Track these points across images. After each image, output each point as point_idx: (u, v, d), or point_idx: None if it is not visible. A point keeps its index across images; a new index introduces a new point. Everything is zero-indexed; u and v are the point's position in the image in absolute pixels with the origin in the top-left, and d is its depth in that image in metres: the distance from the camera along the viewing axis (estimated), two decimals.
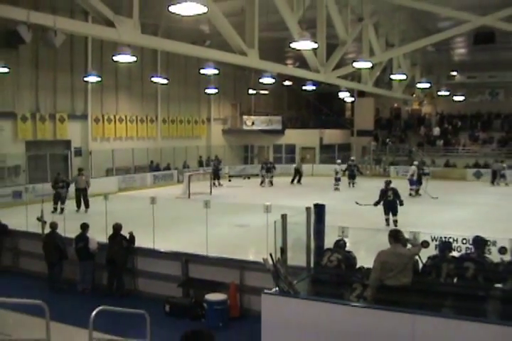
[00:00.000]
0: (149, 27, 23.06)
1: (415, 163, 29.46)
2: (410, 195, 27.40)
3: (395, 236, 8.23)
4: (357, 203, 20.53)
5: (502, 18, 22.70)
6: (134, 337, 7.63)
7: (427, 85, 36.40)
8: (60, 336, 7.06)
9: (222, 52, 19.59)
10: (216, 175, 32.86)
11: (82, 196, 21.64)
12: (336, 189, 30.31)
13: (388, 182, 19.91)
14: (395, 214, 19.12)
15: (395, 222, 18.85)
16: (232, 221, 19.13)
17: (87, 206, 21.36)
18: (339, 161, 32.72)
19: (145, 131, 33.97)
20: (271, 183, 33.01)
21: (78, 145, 29.63)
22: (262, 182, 33.12)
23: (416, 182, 27.47)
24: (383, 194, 19.45)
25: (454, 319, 7.53)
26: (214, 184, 31.35)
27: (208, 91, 36.50)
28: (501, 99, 44.58)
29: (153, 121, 34.53)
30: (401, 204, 19.31)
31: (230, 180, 35.33)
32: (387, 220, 19.11)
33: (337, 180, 30.64)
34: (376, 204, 19.35)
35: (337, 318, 7.88)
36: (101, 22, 15.05)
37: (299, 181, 33.48)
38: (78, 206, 21.56)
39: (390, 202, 19.26)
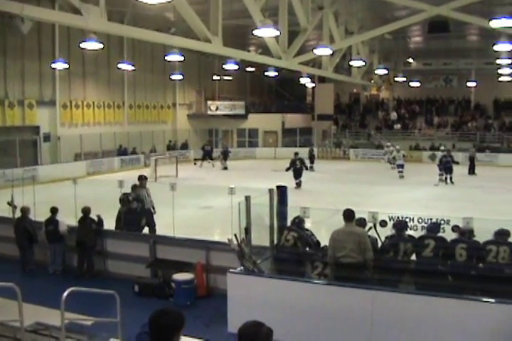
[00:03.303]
0: (116, 14, 23.09)
1: (442, 148, 30.31)
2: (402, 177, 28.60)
3: (348, 215, 8.56)
4: (273, 170, 25.49)
5: (455, 8, 23.23)
6: (104, 316, 7.63)
7: (385, 71, 37.00)
8: (33, 317, 6.91)
9: (186, 39, 19.74)
10: (225, 157, 34.19)
11: None
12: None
13: (296, 154, 25.70)
14: (299, 177, 24.61)
15: (299, 183, 24.37)
16: (198, 203, 19.44)
17: None
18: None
19: (112, 116, 34.14)
20: (224, 167, 33.64)
21: (47, 130, 29.65)
22: (220, 166, 33.94)
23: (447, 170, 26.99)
24: (293, 163, 24.98)
25: (412, 294, 8.01)
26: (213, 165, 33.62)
27: (173, 77, 36.57)
28: (455, 85, 45.73)
29: (120, 107, 34.71)
30: (306, 169, 25.64)
31: (195, 163, 35.65)
32: (297, 183, 24.23)
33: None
34: (287, 170, 24.93)
35: (300, 295, 8.25)
36: (68, 9, 15.07)
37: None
38: None
39: (297, 169, 24.82)
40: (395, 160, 30.12)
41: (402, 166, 28.79)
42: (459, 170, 27.62)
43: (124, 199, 13.00)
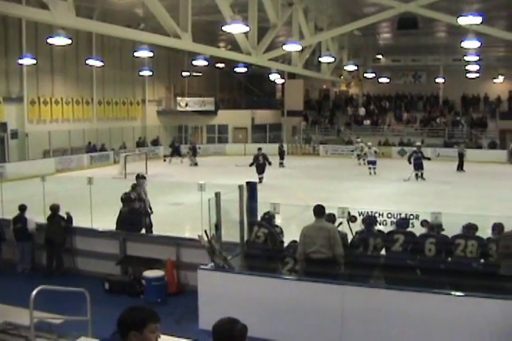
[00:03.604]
0: (84, 10, 22.88)
1: (417, 144, 29.96)
2: (375, 173, 28.61)
3: (318, 211, 8.58)
4: (236, 165, 26.32)
5: (424, 5, 23.43)
6: (74, 314, 7.56)
7: (354, 67, 37.23)
8: (1, 317, 6.86)
9: (156, 35, 19.69)
10: (194, 153, 34.07)
11: None
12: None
13: (259, 149, 26.20)
14: (261, 172, 24.92)
15: (261, 178, 24.26)
16: (168, 200, 19.41)
17: None
18: None
19: (81, 112, 33.84)
20: (194, 164, 33.55)
21: (14, 127, 29.31)
22: (196, 163, 33.66)
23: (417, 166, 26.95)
24: (256, 158, 25.44)
25: (381, 288, 8.13)
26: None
27: (142, 73, 36.45)
28: (423, 81, 46.21)
29: (89, 103, 34.41)
30: (269, 164, 25.77)
31: (164, 160, 35.53)
32: (260, 179, 23.93)
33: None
34: (250, 165, 25.32)
35: (270, 291, 8.30)
36: (35, 4, 14.98)
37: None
38: None
39: (260, 164, 25.19)
40: (367, 157, 30.18)
41: (374, 163, 28.87)
42: (432, 166, 27.73)
43: (126, 199, 12.78)
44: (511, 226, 8.34)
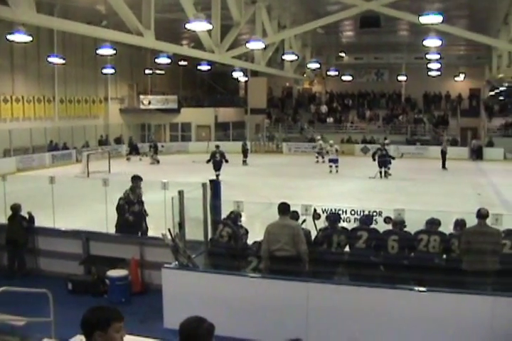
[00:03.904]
0: (45, 6, 22.59)
1: (386, 142, 30.22)
2: (336, 171, 28.52)
3: (282, 208, 8.58)
4: (193, 161, 27.18)
5: (386, 3, 23.61)
6: (37, 316, 7.45)
7: (317, 65, 37.31)
8: None
9: (118, 33, 19.46)
10: (155, 151, 34.20)
11: None
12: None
13: (217, 146, 26.59)
14: (218, 169, 25.27)
15: (218, 175, 24.39)
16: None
17: None
18: None
19: (42, 111, 33.45)
20: (157, 161, 33.48)
21: None
22: (157, 161, 33.63)
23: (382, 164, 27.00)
24: (213, 155, 25.84)
25: (345, 285, 8.15)
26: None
27: (105, 71, 36.08)
28: (386, 79, 46.74)
29: (50, 101, 34.00)
30: (226, 161, 25.72)
31: (128, 159, 35.37)
32: (217, 176, 24.38)
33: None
34: (207, 161, 25.82)
35: (235, 289, 8.30)
36: None
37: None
38: None
39: (217, 161, 25.56)
40: (328, 155, 30.17)
41: (335, 161, 28.83)
42: (394, 163, 27.83)
43: (128, 203, 12.22)
44: (473, 222, 8.45)
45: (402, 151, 27.58)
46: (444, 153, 31.35)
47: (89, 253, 11.16)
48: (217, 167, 25.57)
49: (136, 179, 13.00)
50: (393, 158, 27.51)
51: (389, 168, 27.21)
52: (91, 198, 13.94)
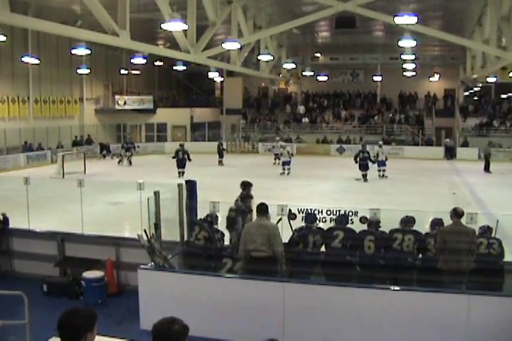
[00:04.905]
0: (19, 6, 22.35)
1: (379, 143, 29.40)
2: (282, 173, 28.01)
3: (259, 209, 8.64)
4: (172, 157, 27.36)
5: (361, 4, 23.72)
6: (12, 318, 7.36)
7: (293, 66, 37.35)
8: None
9: (93, 33, 19.30)
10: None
11: None
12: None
13: (181, 145, 28.01)
14: (181, 167, 26.78)
15: (183, 173, 26.30)
16: (108, 199, 19.20)
17: None
18: None
19: (17, 111, 33.14)
20: (129, 163, 33.16)
21: None
22: (119, 161, 33.45)
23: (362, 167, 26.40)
24: (176, 153, 27.22)
25: (321, 285, 8.17)
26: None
27: (80, 71, 35.77)
28: (361, 79, 46.91)
29: (25, 102, 33.68)
30: (189, 160, 27.13)
31: (101, 157, 35.25)
32: (179, 173, 26.50)
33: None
34: (173, 158, 27.27)
35: (211, 290, 8.28)
36: None
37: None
38: None
39: (180, 159, 26.99)
40: (282, 157, 29.26)
41: (287, 163, 28.22)
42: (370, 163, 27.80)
43: (241, 212, 10.42)
44: (448, 221, 8.52)
45: (386, 155, 27.03)
46: (487, 156, 31.02)
47: (64, 255, 11.07)
48: (180, 165, 26.99)
49: (248, 185, 11.57)
50: (373, 163, 26.73)
51: (385, 170, 26.97)
52: (66, 199, 13.83)
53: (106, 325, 3.36)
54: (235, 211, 10.23)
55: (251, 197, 10.97)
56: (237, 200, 10.75)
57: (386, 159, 27.28)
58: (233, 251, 8.96)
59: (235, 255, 8.87)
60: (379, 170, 27.15)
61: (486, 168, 30.49)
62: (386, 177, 26.88)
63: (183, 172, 26.69)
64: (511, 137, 38.38)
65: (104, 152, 36.37)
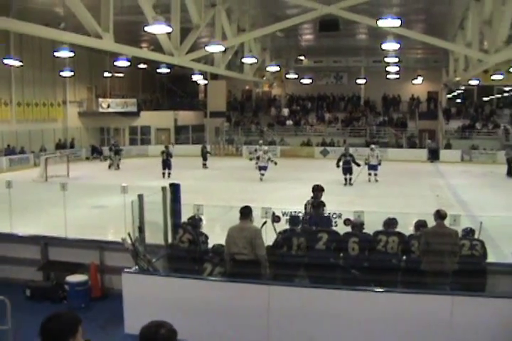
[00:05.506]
0: (1, 7, 22.15)
1: (372, 146, 28.47)
2: (261, 179, 27.29)
3: (243, 212, 8.60)
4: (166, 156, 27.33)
5: (345, 7, 23.77)
6: None
7: (277, 68, 37.42)
8: None
9: (77, 35, 19.19)
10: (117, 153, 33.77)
11: None
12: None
13: (166, 147, 28.89)
14: (170, 168, 27.52)
15: (169, 174, 27.18)
16: (91, 202, 19.09)
17: None
18: None
19: None
20: (117, 166, 32.97)
21: None
22: (110, 165, 33.23)
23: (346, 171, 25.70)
24: (161, 154, 27.95)
25: (305, 287, 8.23)
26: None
27: (63, 73, 35.49)
28: (345, 82, 47.04)
29: (7, 104, 33.44)
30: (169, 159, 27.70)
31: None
32: (163, 174, 27.37)
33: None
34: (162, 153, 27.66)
35: (196, 293, 8.24)
36: None
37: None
38: None
39: (164, 160, 27.75)
40: (260, 161, 28.15)
41: (264, 168, 27.39)
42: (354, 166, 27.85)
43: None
44: (432, 223, 8.57)
45: (379, 158, 26.57)
46: (510, 160, 29.44)
47: (48, 259, 10.99)
48: (164, 166, 27.81)
49: (319, 190, 11.11)
50: (358, 165, 25.74)
51: (376, 174, 26.62)
52: (49, 203, 13.73)
53: (89, 329, 3.33)
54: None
55: (324, 204, 10.36)
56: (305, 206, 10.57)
57: (379, 163, 26.73)
58: (214, 256, 8.92)
59: (215, 259, 8.83)
60: (369, 174, 26.77)
61: (510, 173, 29.17)
62: (376, 181, 26.48)
63: (169, 174, 27.27)
64: (493, 139, 38.64)
65: (95, 154, 36.53)
